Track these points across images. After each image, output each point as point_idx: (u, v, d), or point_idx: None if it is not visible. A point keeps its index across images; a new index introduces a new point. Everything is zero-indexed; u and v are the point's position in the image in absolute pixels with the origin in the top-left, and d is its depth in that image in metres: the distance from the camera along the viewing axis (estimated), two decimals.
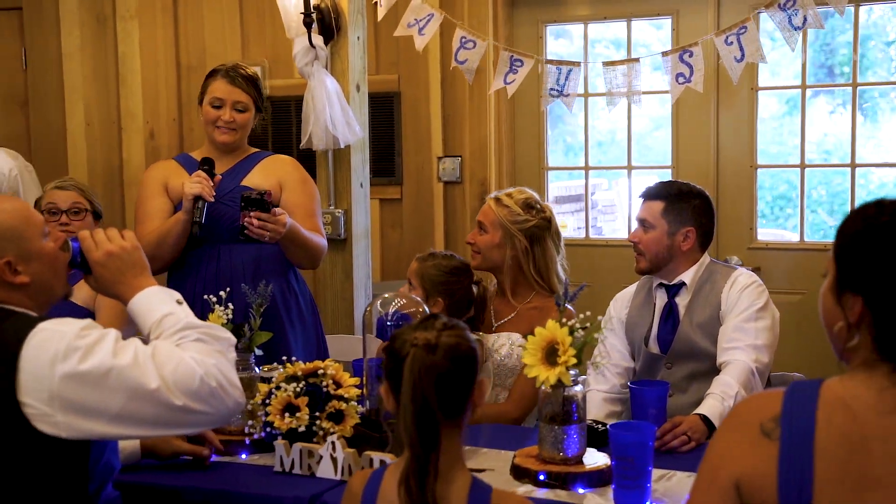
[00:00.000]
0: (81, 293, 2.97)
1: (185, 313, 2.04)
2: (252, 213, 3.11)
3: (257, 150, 3.48)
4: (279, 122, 4.97)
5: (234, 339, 2.04)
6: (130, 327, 2.87)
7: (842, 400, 1.48)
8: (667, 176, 4.74)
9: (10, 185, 4.36)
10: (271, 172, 3.35)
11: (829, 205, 5.31)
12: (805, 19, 3.52)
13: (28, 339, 1.87)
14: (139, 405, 1.87)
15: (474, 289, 3.22)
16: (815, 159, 4.94)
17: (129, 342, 1.93)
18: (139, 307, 2.05)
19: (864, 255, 1.50)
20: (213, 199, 3.19)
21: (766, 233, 4.88)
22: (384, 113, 4.99)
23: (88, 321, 1.95)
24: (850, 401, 1.48)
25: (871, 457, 1.44)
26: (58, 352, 1.85)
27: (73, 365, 1.85)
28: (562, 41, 5.14)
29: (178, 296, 2.09)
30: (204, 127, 3.39)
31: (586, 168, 4.99)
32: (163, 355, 1.91)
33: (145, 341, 1.99)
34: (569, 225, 5.46)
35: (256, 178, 3.32)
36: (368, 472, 1.90)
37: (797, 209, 4.68)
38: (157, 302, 2.05)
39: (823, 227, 4.98)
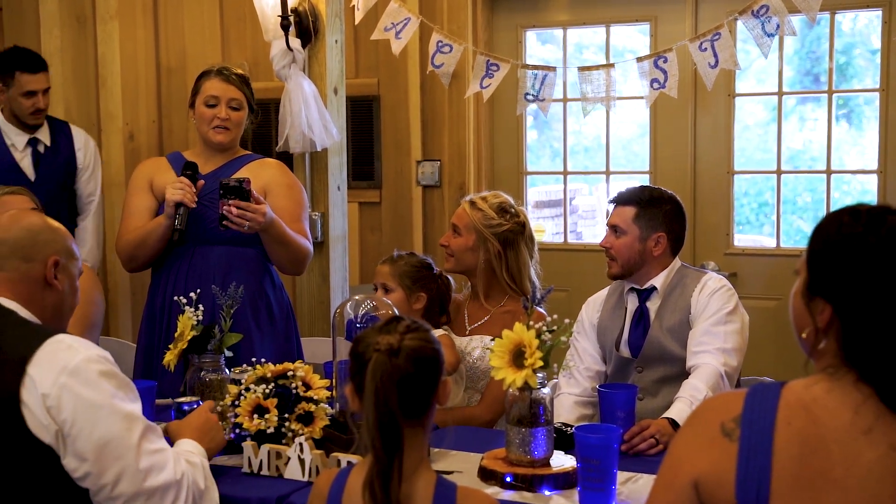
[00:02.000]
0: None
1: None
2: (231, 202, 3.10)
3: (249, 152, 3.48)
4: (259, 125, 4.94)
5: (216, 502, 2.19)
6: (90, 333, 2.93)
7: (803, 403, 1.48)
8: (645, 182, 4.75)
9: (95, 159, 4.64)
10: (256, 176, 3.33)
11: (812, 211, 5.33)
12: (778, 26, 3.53)
13: (43, 345, 1.96)
14: (103, 456, 1.95)
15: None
16: (801, 166, 4.95)
17: (137, 403, 2.05)
18: (181, 445, 2.24)
19: (836, 264, 1.49)
20: (195, 206, 3.19)
21: (743, 238, 4.90)
22: (363, 116, 4.99)
23: (108, 354, 2.04)
24: (810, 404, 1.48)
25: (829, 459, 1.45)
26: (67, 364, 1.94)
27: (76, 383, 1.93)
28: (549, 46, 5.14)
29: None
30: (198, 128, 3.39)
31: (564, 173, 5.00)
32: (156, 435, 2.05)
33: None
34: (548, 230, 5.46)
35: None
36: (335, 470, 1.91)
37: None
38: (192, 450, 2.23)
39: (802, 233, 4.99)
